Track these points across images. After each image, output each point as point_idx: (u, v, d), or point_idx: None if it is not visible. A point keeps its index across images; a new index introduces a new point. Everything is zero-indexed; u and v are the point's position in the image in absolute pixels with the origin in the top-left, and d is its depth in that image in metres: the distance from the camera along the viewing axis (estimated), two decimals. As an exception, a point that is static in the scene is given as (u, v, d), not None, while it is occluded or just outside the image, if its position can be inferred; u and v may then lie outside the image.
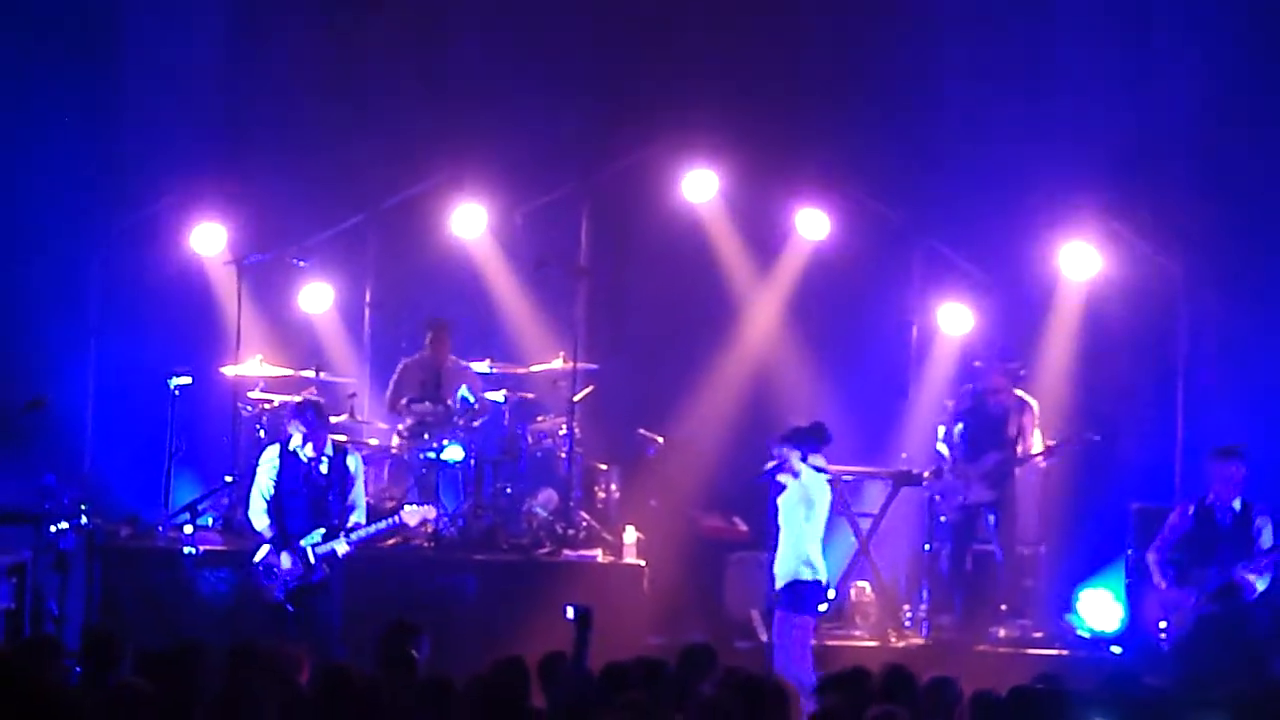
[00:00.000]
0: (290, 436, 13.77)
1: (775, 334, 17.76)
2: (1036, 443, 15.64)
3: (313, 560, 13.50)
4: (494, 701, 8.89)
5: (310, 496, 13.62)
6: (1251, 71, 16.83)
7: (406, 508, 14.05)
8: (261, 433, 16.13)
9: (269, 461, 13.74)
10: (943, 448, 15.82)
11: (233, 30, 17.52)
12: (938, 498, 15.71)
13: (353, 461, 13.82)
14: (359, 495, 13.77)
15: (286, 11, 17.69)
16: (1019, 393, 15.76)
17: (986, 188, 17.04)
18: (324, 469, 13.67)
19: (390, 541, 15.47)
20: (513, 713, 8.77)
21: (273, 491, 13.64)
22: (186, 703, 9.11)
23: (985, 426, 15.64)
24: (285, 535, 13.56)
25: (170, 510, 15.81)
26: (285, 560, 13.49)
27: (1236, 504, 14.02)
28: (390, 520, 13.89)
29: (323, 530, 13.55)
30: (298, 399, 14.83)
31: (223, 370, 16.56)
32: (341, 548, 13.53)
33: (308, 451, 13.62)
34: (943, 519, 15.71)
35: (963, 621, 15.51)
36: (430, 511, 14.26)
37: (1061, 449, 15.66)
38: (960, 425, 15.71)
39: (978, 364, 15.97)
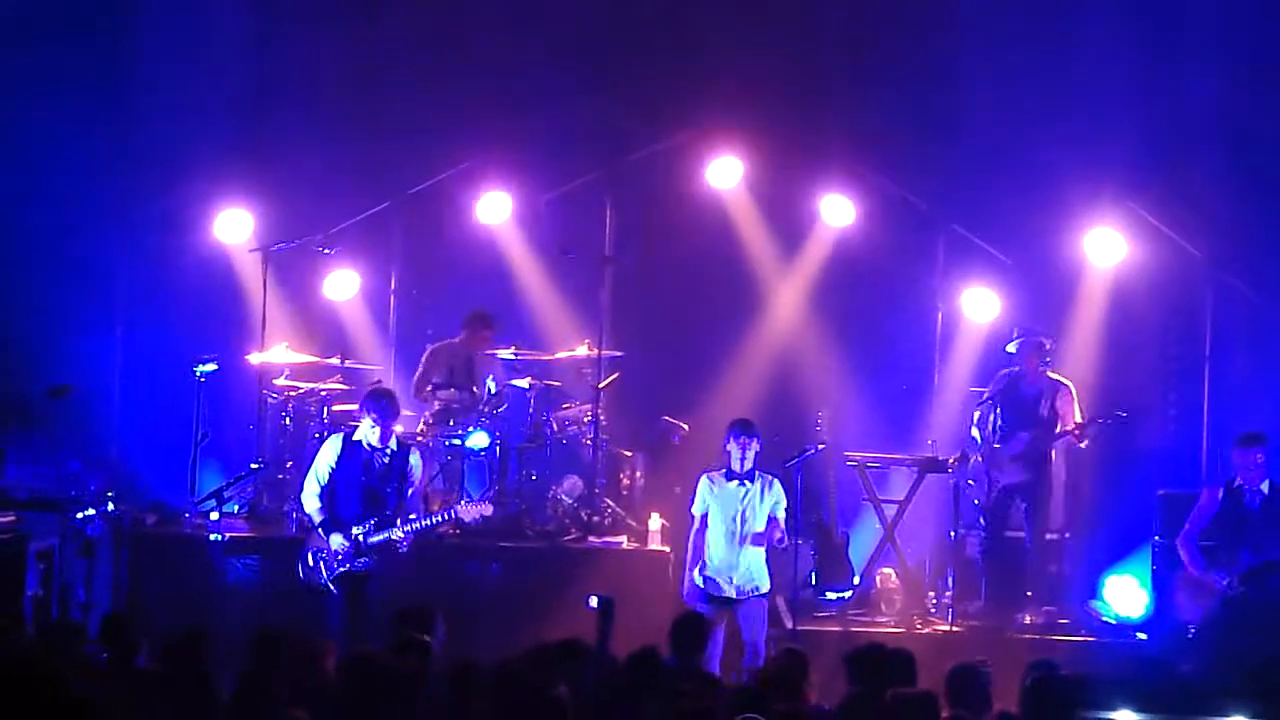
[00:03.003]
0: (355, 427, 13.81)
1: (800, 320, 17.76)
2: (1072, 422, 15.59)
3: (362, 547, 13.51)
4: (520, 689, 8.92)
5: (367, 486, 13.60)
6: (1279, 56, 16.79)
7: (463, 503, 14.05)
8: (287, 420, 16.17)
9: (330, 449, 13.75)
10: (976, 433, 15.77)
11: (258, 17, 17.53)
12: (971, 483, 15.66)
13: (415, 459, 13.82)
14: (417, 491, 13.81)
15: (312, -1, 17.75)
16: (1053, 375, 15.70)
17: (1012, 173, 17.01)
18: (385, 460, 13.67)
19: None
20: (538, 700, 8.79)
21: (329, 478, 13.66)
22: (204, 687, 9.16)
23: (1017, 408, 15.57)
24: (336, 521, 13.58)
25: (196, 497, 15.85)
26: (335, 543, 13.50)
27: (1265, 486, 14.00)
28: (445, 514, 13.90)
29: (375, 520, 13.55)
30: (369, 387, 14.90)
31: (248, 357, 16.59)
32: (397, 534, 13.49)
33: (373, 440, 13.62)
34: (976, 502, 15.67)
35: (988, 608, 15.49)
36: (488, 508, 14.20)
37: (1092, 426, 15.53)
38: (995, 409, 15.63)
39: (1011, 348, 15.86)
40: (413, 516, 13.61)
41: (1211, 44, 16.86)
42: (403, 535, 13.52)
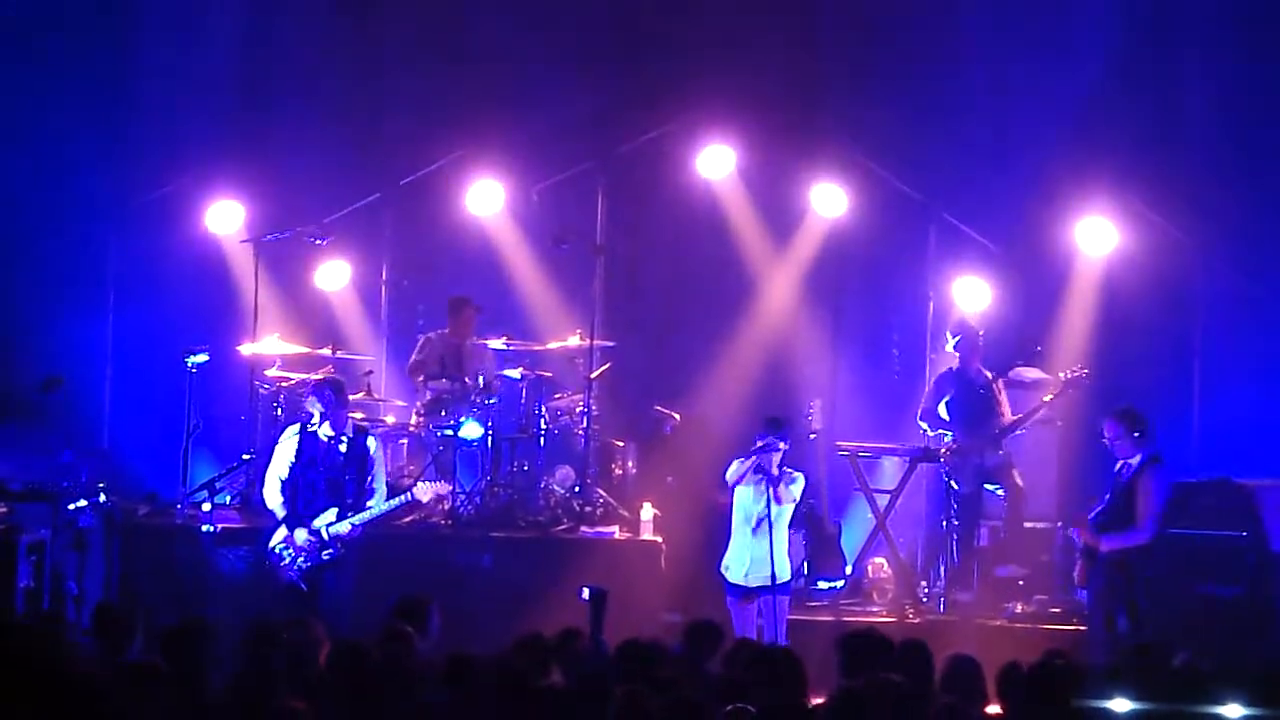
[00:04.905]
0: (310, 416, 13.73)
1: (792, 310, 17.77)
2: (1007, 411, 15.75)
3: (326, 539, 13.46)
4: (513, 679, 8.92)
5: (326, 477, 13.51)
6: (1270, 46, 16.79)
7: (420, 484, 13.97)
8: (279, 411, 16.14)
9: (288, 441, 13.66)
10: (926, 426, 15.86)
11: (250, 8, 17.52)
12: (949, 479, 15.71)
13: (373, 443, 13.71)
14: (379, 478, 13.67)
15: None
16: (985, 372, 15.88)
17: (1003, 162, 17.04)
18: (342, 449, 13.60)
19: (408, 519, 15.50)
20: (531, 690, 8.80)
21: (289, 471, 13.59)
22: (197, 679, 9.15)
23: (978, 397, 15.70)
24: (299, 515, 13.53)
25: (188, 488, 15.83)
26: (300, 539, 13.45)
27: (1134, 460, 13.79)
28: (403, 498, 13.81)
29: (336, 510, 13.48)
30: (318, 377, 14.83)
31: (240, 348, 16.57)
32: (344, 528, 13.47)
33: (326, 431, 13.55)
34: (954, 486, 15.67)
35: (980, 597, 15.52)
36: (444, 487, 14.19)
37: (1058, 398, 15.72)
38: (947, 400, 15.75)
39: (950, 346, 15.97)
40: (370, 504, 13.54)
41: (1201, 32, 16.87)
42: (350, 527, 13.44)
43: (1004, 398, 15.88)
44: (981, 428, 15.62)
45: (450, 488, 14.68)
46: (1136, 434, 13.29)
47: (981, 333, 16.04)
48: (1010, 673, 9.06)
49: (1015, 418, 15.74)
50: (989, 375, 15.85)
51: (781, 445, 13.45)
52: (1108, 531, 13.22)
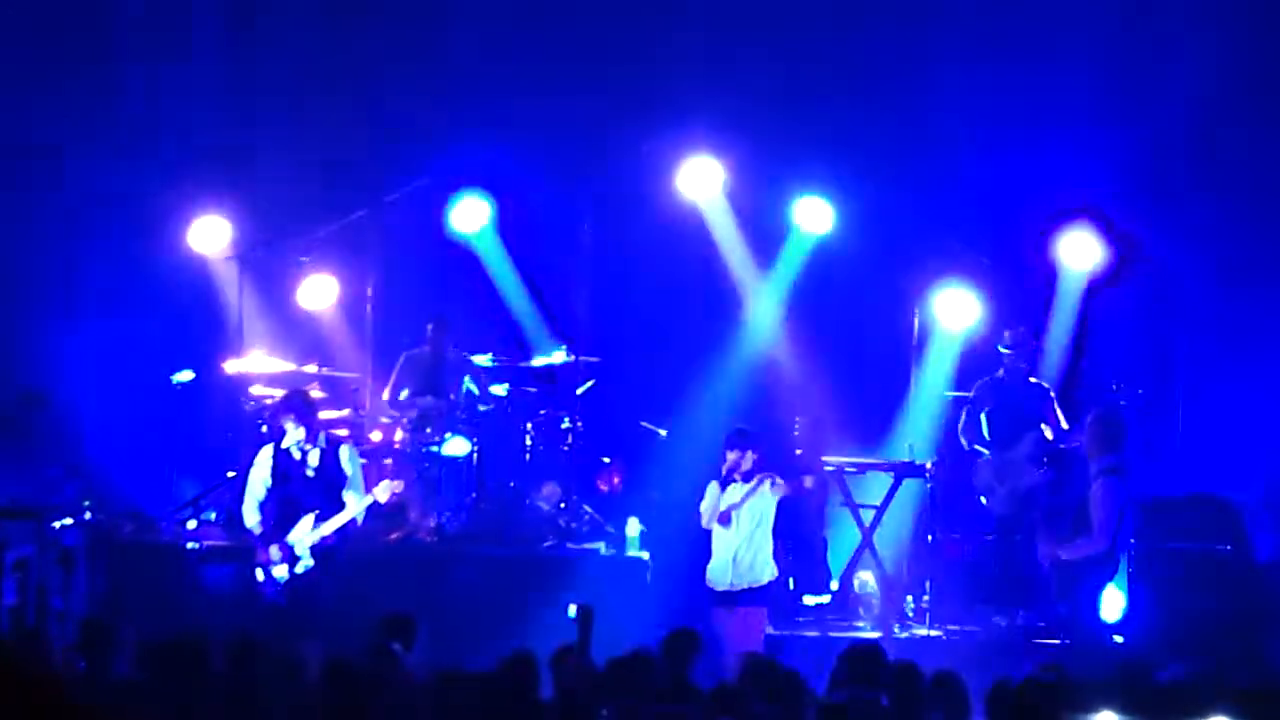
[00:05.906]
0: (282, 434, 13.73)
1: (778, 325, 17.77)
2: (1061, 423, 15.71)
3: (300, 552, 13.46)
4: (502, 695, 8.92)
5: (302, 491, 13.53)
6: (1251, 63, 16.86)
7: (380, 484, 13.92)
8: (264, 428, 16.12)
9: (262, 461, 13.69)
10: (963, 439, 15.88)
11: (234, 23, 17.53)
12: (982, 499, 15.73)
13: (345, 452, 13.71)
14: (354, 486, 13.70)
15: (287, 5, 17.71)
16: (1033, 379, 15.85)
17: (988, 178, 17.06)
18: (313, 461, 13.61)
19: (394, 536, 15.49)
20: (520, 706, 8.80)
21: (264, 490, 13.60)
22: (187, 695, 9.14)
23: (1015, 411, 15.69)
24: (276, 532, 13.52)
25: (173, 505, 15.82)
26: (275, 555, 13.46)
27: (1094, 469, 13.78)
28: (367, 500, 13.78)
29: (311, 521, 13.47)
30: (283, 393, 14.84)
31: (225, 365, 16.56)
32: (315, 538, 13.44)
33: (298, 447, 13.57)
34: (983, 500, 15.69)
35: (965, 612, 15.51)
36: (399, 485, 14.16)
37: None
38: (987, 412, 15.74)
39: (1005, 348, 15.95)
40: (343, 514, 13.52)
41: (1186, 51, 16.92)
42: (317, 540, 13.45)
43: (1056, 411, 15.82)
44: (1016, 446, 15.60)
45: (404, 483, 14.61)
46: (1103, 441, 13.32)
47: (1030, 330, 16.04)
48: (998, 689, 9.07)
49: (1054, 440, 15.68)
50: (1039, 386, 15.81)
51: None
52: (1067, 542, 13.31)
